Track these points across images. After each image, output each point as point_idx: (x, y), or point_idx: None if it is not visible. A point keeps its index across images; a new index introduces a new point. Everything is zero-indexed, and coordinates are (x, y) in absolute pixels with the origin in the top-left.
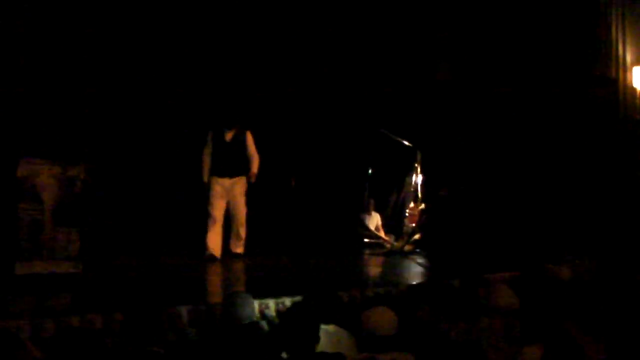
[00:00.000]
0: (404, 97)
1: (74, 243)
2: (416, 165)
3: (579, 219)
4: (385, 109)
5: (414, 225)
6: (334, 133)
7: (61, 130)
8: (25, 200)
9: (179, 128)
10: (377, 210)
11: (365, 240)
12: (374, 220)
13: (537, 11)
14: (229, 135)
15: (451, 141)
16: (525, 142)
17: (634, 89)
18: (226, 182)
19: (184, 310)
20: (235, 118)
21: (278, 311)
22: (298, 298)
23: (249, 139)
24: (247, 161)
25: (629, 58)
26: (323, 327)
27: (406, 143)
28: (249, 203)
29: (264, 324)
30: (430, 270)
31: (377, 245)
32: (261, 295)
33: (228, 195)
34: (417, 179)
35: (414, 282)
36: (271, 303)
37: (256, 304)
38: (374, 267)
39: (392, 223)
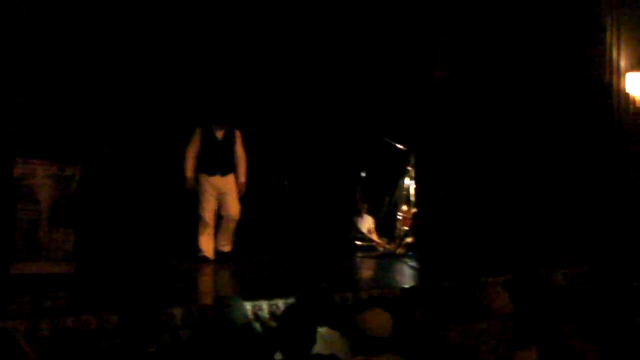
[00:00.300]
0: (398, 99)
1: (69, 243)
2: (409, 168)
3: (573, 223)
4: (379, 112)
5: (406, 228)
6: (327, 136)
7: (57, 131)
8: (21, 200)
9: (172, 127)
10: (369, 213)
11: (358, 243)
12: (367, 223)
13: (532, 16)
14: (219, 133)
15: (445, 144)
16: (520, 146)
17: (627, 94)
18: (217, 180)
19: (177, 312)
20: (228, 116)
21: (271, 313)
22: (291, 300)
23: (239, 139)
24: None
25: (623, 63)
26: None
27: (399, 146)
28: (242, 204)
29: (257, 325)
30: (423, 273)
31: (369, 248)
32: (254, 297)
33: (219, 193)
34: (410, 182)
35: (408, 285)
36: (264, 305)
37: (249, 305)
38: (366, 270)
39: (385, 226)
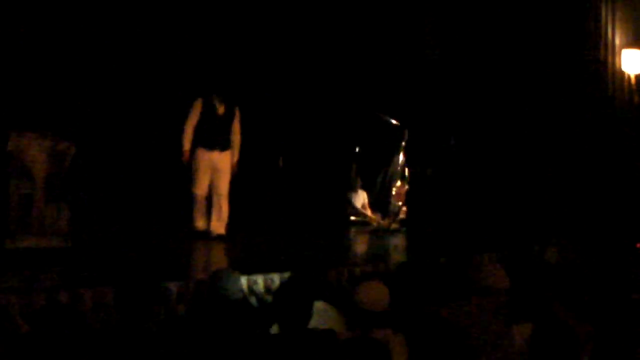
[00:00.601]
0: (392, 75)
1: (64, 218)
2: (403, 144)
3: (567, 201)
4: (373, 87)
5: (400, 203)
6: (321, 112)
7: (51, 104)
8: (15, 174)
9: (169, 101)
10: (364, 189)
11: (352, 218)
12: (361, 199)
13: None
14: (221, 108)
15: (438, 120)
16: (513, 123)
17: (622, 72)
18: (215, 155)
19: (172, 287)
20: (230, 91)
21: (267, 287)
22: (286, 274)
23: (238, 116)
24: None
25: (618, 41)
26: None
27: (394, 122)
28: (235, 181)
29: (252, 299)
30: (417, 249)
31: (363, 223)
32: (249, 271)
33: (214, 169)
34: (404, 157)
35: (401, 260)
36: (260, 279)
37: (244, 280)
38: (360, 245)
39: (379, 202)
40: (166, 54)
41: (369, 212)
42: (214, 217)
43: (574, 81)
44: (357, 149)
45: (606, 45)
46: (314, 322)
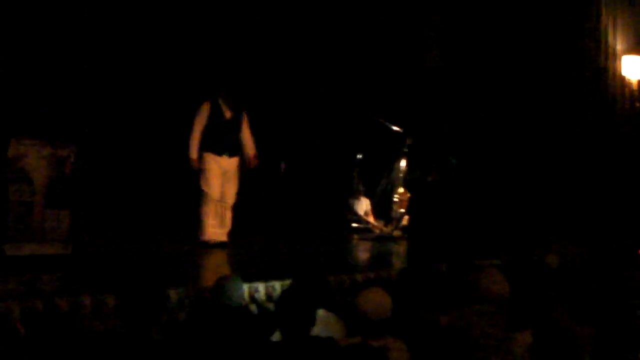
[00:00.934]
0: (394, 82)
1: (65, 224)
2: (406, 150)
3: (568, 207)
4: (375, 94)
5: (403, 210)
6: (324, 118)
7: (52, 110)
8: (15, 181)
9: (171, 106)
10: (366, 196)
11: (354, 225)
12: (363, 206)
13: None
14: (228, 113)
15: (440, 127)
16: (514, 128)
17: (623, 78)
18: (224, 160)
19: (173, 293)
20: (238, 95)
21: (268, 295)
22: (287, 282)
23: (246, 120)
24: (241, 142)
25: (619, 47)
26: None
27: (396, 128)
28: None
29: (253, 307)
30: (419, 256)
31: (366, 230)
32: (250, 279)
33: (225, 175)
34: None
35: (402, 267)
36: (261, 287)
37: (246, 287)
38: (362, 252)
39: (382, 208)
40: (169, 57)
41: (371, 219)
42: (216, 223)
43: (574, 87)
44: (359, 156)
45: (607, 51)
46: (315, 330)
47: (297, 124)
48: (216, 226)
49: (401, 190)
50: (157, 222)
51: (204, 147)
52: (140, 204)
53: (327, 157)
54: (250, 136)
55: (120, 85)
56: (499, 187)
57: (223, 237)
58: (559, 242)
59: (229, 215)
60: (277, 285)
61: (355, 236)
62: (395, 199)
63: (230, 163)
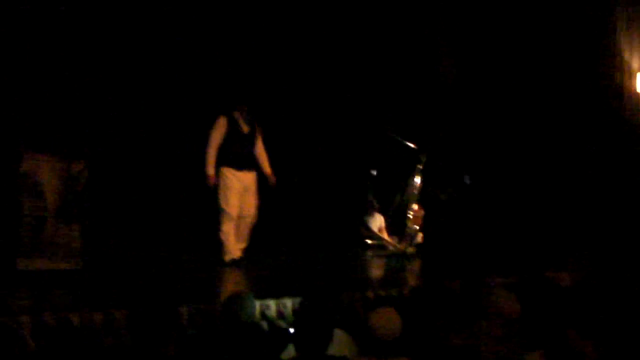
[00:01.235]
0: (410, 98)
1: (76, 239)
2: (420, 167)
3: (581, 225)
4: (390, 111)
5: (417, 227)
6: (337, 133)
7: (64, 126)
8: (28, 195)
9: (182, 123)
10: (380, 212)
11: (368, 241)
12: (377, 222)
13: (543, 17)
14: (245, 127)
15: (453, 144)
16: (528, 146)
17: (638, 95)
18: (244, 176)
19: (184, 309)
20: (255, 109)
21: (279, 312)
22: (298, 299)
23: (260, 135)
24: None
25: (634, 64)
26: None
27: (410, 145)
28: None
29: (264, 324)
30: (431, 273)
31: (379, 246)
32: (262, 295)
33: (245, 191)
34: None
35: (415, 285)
36: (272, 304)
37: (257, 304)
38: (375, 269)
39: (396, 225)
40: (181, 72)
41: (385, 236)
42: (237, 238)
43: (589, 104)
44: (373, 172)
45: (622, 68)
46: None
47: (312, 139)
48: (240, 242)
49: (415, 207)
50: (170, 237)
51: (222, 162)
52: (153, 219)
53: (341, 173)
54: (264, 152)
55: (133, 100)
56: (513, 204)
57: (238, 253)
58: (572, 261)
59: (247, 231)
60: (289, 303)
61: (369, 253)
62: (410, 216)
63: (249, 178)
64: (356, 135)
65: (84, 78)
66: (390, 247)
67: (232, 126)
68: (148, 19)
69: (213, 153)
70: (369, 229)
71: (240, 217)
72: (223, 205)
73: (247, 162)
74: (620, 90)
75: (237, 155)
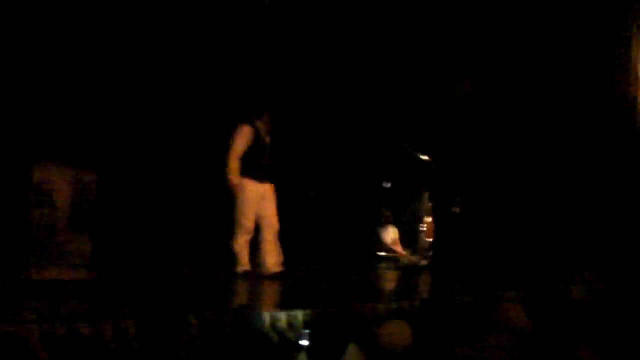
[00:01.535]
0: (423, 111)
1: (87, 249)
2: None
3: (594, 238)
4: (404, 122)
5: (430, 239)
6: (351, 146)
7: (75, 136)
8: (40, 205)
9: (193, 133)
10: (393, 224)
11: (381, 254)
12: (390, 234)
13: (558, 30)
14: (267, 138)
15: (465, 156)
16: (541, 159)
17: None
18: (264, 187)
19: (193, 320)
20: (276, 118)
21: (289, 324)
22: (309, 311)
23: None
24: None
25: None
26: None
27: (424, 157)
28: None
29: (274, 335)
30: (443, 287)
31: (392, 259)
32: (272, 307)
33: (262, 202)
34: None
35: (426, 298)
36: (282, 315)
37: (267, 315)
38: (387, 282)
39: (409, 237)
40: (194, 83)
41: (398, 248)
42: (269, 253)
43: (603, 118)
44: (387, 184)
45: (636, 81)
46: None
47: (326, 152)
48: (270, 256)
49: (429, 219)
50: (181, 247)
51: (243, 173)
52: (163, 228)
53: (354, 185)
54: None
55: (143, 109)
56: (525, 217)
57: (278, 268)
58: (585, 275)
59: (278, 241)
60: (299, 314)
61: (382, 265)
62: (423, 228)
63: (268, 189)
64: (369, 148)
65: (96, 88)
66: (403, 260)
67: (255, 136)
68: (159, 29)
69: (237, 162)
70: (381, 241)
71: (265, 228)
72: (240, 216)
73: (267, 174)
74: (635, 103)
75: (258, 166)
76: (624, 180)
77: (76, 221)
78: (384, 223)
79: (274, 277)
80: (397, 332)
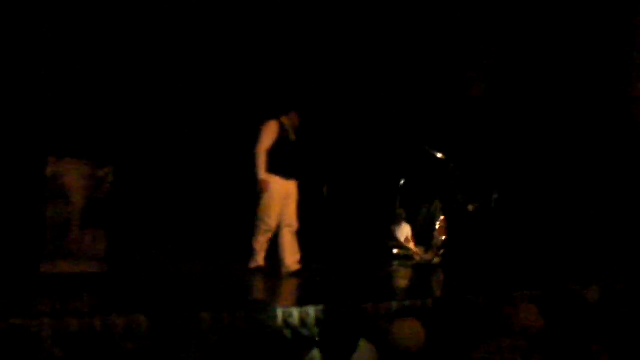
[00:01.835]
0: (438, 108)
1: (101, 243)
2: (448, 178)
3: (608, 239)
4: (420, 119)
5: (444, 238)
6: (367, 143)
7: (90, 130)
8: (53, 199)
9: (206, 129)
10: (407, 222)
11: (395, 251)
12: (404, 232)
13: (571, 31)
14: (293, 135)
15: (479, 156)
16: (554, 160)
17: None
18: (290, 185)
19: (205, 316)
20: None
21: (302, 320)
22: (321, 308)
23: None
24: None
25: None
26: None
27: (439, 155)
28: None
29: (287, 332)
30: (455, 286)
31: (406, 257)
32: (285, 303)
33: (286, 200)
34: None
35: (439, 297)
36: (295, 312)
37: (280, 312)
38: (400, 279)
39: (423, 235)
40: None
41: (412, 246)
42: (288, 252)
43: (614, 121)
44: (402, 182)
45: None
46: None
47: (341, 149)
48: (289, 254)
49: (442, 217)
50: (194, 243)
51: (269, 170)
52: (177, 224)
53: (369, 183)
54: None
55: (157, 105)
56: (539, 217)
57: (297, 266)
58: (600, 276)
59: (296, 241)
60: (312, 311)
61: (395, 262)
62: (437, 226)
63: (293, 187)
64: (386, 145)
65: (111, 83)
66: (417, 257)
67: (282, 132)
68: (174, 25)
69: (263, 157)
70: (395, 239)
71: (285, 226)
72: (263, 214)
73: (293, 171)
74: None
75: (285, 163)
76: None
77: (90, 216)
78: (398, 221)
79: (293, 275)
80: (409, 330)
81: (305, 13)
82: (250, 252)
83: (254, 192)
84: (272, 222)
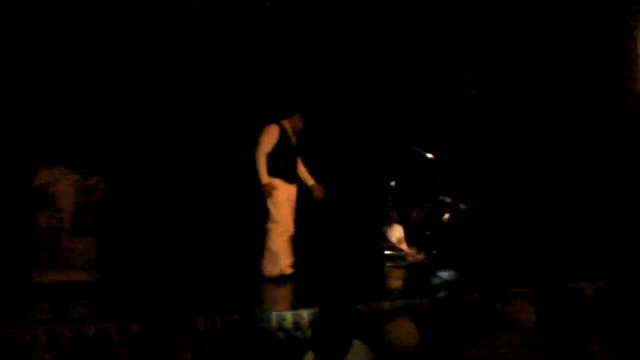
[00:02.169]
0: (428, 109)
1: (92, 252)
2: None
3: (603, 235)
4: (409, 121)
5: (436, 238)
6: (357, 144)
7: (80, 139)
8: (44, 208)
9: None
10: (399, 223)
11: (387, 252)
12: (396, 233)
13: (565, 27)
14: (294, 139)
15: (472, 155)
16: (549, 157)
17: None
18: (292, 189)
19: (199, 321)
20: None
21: (295, 323)
22: (315, 310)
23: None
24: None
25: None
26: None
27: (430, 156)
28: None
29: (281, 335)
30: (449, 285)
31: (398, 257)
32: (279, 306)
33: (288, 203)
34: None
35: (433, 296)
36: (288, 315)
37: (274, 315)
38: (393, 280)
39: (415, 236)
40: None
41: (404, 246)
42: (282, 255)
43: (609, 116)
44: (392, 183)
45: None
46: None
47: (331, 150)
48: (287, 258)
49: (435, 217)
50: (186, 249)
51: (272, 173)
52: (168, 230)
53: (360, 184)
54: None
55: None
56: (533, 214)
57: (291, 270)
58: (594, 271)
59: (291, 245)
60: (305, 314)
61: (388, 263)
62: (429, 226)
63: (294, 191)
64: (376, 146)
65: (101, 91)
66: (409, 258)
67: (284, 136)
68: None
69: (264, 161)
70: (387, 240)
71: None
72: (277, 216)
73: (295, 175)
74: None
75: (287, 166)
76: (635, 177)
77: (81, 224)
78: (390, 221)
79: (287, 279)
80: (402, 330)
81: (305, 13)
82: (269, 258)
83: (254, 198)
84: (288, 221)
